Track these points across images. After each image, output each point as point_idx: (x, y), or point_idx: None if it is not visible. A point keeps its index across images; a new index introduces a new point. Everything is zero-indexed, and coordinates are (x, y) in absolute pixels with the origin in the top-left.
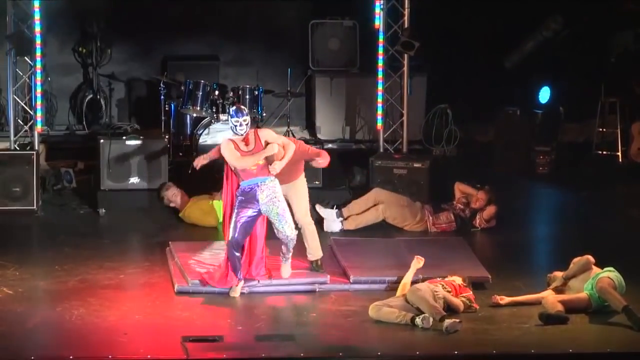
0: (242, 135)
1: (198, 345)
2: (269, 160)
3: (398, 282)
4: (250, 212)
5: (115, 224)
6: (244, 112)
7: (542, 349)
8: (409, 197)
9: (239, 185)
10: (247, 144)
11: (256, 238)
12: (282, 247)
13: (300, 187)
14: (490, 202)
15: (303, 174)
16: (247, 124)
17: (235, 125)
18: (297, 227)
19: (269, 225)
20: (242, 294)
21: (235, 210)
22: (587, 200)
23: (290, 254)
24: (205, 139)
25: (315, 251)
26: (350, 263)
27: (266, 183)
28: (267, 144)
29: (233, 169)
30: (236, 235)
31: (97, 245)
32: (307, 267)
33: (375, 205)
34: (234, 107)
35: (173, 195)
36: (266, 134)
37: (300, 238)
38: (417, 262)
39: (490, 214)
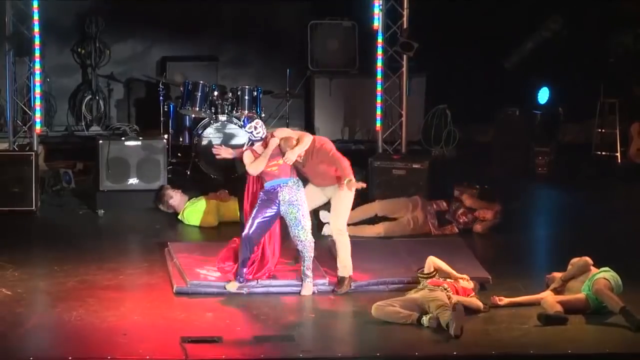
0: (261, 138)
1: (197, 345)
2: (282, 151)
3: (397, 283)
4: (269, 211)
5: (114, 225)
6: (254, 117)
7: (541, 350)
8: (411, 205)
9: (262, 187)
10: (265, 148)
11: (272, 242)
12: (300, 257)
13: (343, 193)
14: (494, 218)
15: None
16: (261, 126)
17: (252, 132)
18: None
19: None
20: (241, 294)
21: (256, 208)
22: (586, 201)
23: (310, 272)
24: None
25: (343, 267)
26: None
27: (289, 184)
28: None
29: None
30: (251, 232)
31: (96, 246)
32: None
33: (378, 223)
34: (244, 117)
35: (174, 192)
36: (280, 132)
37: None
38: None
39: (485, 228)
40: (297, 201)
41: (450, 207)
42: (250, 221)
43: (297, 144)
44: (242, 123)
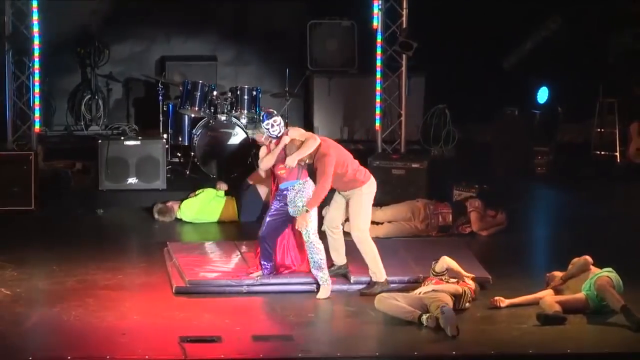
0: (277, 136)
1: (196, 345)
2: (286, 154)
3: (397, 282)
4: (279, 212)
5: (113, 225)
6: (274, 114)
7: (540, 349)
8: (412, 215)
9: (277, 187)
10: (277, 146)
11: (289, 242)
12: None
13: (357, 197)
14: (500, 225)
15: (365, 185)
16: (278, 124)
17: (268, 128)
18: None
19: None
20: (240, 293)
21: (270, 209)
22: (585, 201)
23: (322, 273)
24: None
25: (373, 274)
26: (350, 263)
27: (295, 187)
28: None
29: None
30: (263, 230)
31: (95, 245)
32: (306, 270)
33: (378, 225)
34: (264, 112)
35: (169, 203)
36: (292, 132)
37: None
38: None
39: (490, 234)
40: (301, 202)
41: (455, 221)
42: (264, 220)
43: (301, 147)
44: (262, 118)
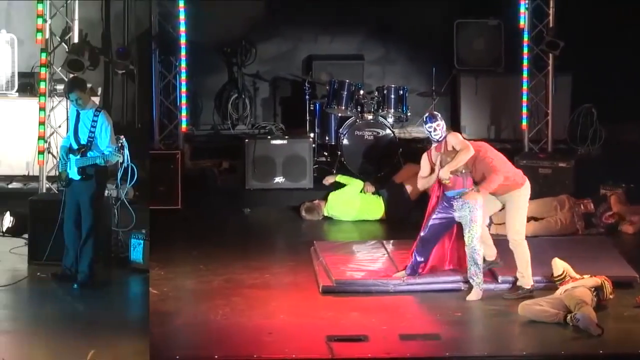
0: (438, 140)
1: (343, 344)
2: (442, 164)
3: (547, 282)
4: (444, 216)
5: (259, 224)
6: (437, 117)
7: None
8: (558, 205)
9: (443, 192)
10: (437, 151)
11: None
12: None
13: (515, 200)
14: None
15: (522, 187)
16: (441, 129)
17: (430, 132)
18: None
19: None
20: (387, 292)
21: (435, 212)
22: None
23: (477, 278)
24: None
25: (522, 277)
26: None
27: (462, 195)
28: (453, 150)
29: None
30: (424, 233)
31: (241, 244)
32: (451, 268)
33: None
34: (427, 114)
35: (315, 201)
36: (451, 139)
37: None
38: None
39: (636, 229)
40: (469, 207)
41: (597, 209)
42: (425, 222)
43: (455, 159)
44: (425, 120)
